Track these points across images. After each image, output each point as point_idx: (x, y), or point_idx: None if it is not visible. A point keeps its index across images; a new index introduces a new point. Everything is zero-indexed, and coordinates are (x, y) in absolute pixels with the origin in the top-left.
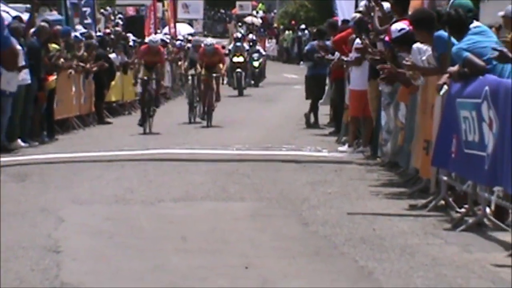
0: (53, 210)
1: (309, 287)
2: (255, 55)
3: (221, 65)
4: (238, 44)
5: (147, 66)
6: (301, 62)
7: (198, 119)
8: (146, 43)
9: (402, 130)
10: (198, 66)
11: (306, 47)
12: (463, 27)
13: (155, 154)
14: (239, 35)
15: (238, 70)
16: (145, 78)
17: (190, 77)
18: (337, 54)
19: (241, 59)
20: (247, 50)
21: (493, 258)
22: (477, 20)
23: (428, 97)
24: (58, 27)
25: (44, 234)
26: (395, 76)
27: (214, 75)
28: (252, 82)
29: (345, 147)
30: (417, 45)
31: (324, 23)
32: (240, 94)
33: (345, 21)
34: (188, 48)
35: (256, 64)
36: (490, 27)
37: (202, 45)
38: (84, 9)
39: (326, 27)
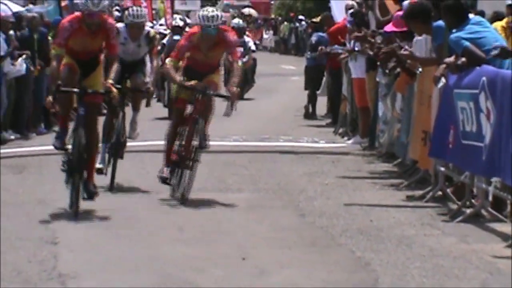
0: (50, 202)
1: (305, 278)
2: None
3: (232, 73)
4: (176, 37)
5: (79, 62)
6: (308, 53)
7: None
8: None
9: (399, 121)
10: (170, 71)
11: (314, 38)
12: (463, 15)
13: (153, 145)
14: (180, 23)
15: None
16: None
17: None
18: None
19: None
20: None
21: (491, 249)
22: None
23: (425, 88)
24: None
25: (41, 226)
26: (396, 56)
27: (212, 93)
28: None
29: (352, 140)
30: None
31: (321, 14)
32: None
33: None
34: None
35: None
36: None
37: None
38: (77, 1)
39: (322, 18)
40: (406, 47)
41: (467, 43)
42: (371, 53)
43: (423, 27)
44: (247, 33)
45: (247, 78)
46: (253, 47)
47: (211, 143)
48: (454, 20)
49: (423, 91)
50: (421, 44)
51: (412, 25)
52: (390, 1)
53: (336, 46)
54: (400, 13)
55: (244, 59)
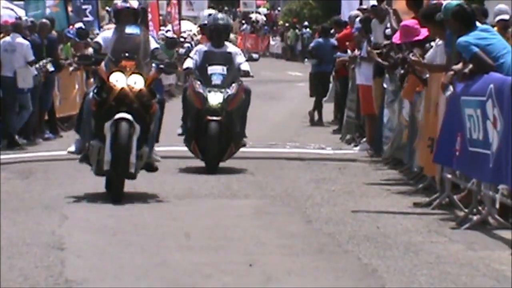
0: (57, 207)
1: (312, 285)
2: (216, 77)
3: None
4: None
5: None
6: (306, 60)
7: None
8: None
9: (407, 127)
10: None
11: (312, 44)
12: (470, 22)
13: (158, 151)
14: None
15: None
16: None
17: None
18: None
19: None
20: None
21: (498, 256)
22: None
23: (432, 95)
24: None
25: (48, 231)
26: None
27: None
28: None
29: (359, 146)
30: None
31: (328, 21)
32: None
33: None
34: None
35: (213, 102)
36: (492, 26)
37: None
38: (85, 6)
39: (330, 24)
40: (415, 51)
41: (476, 49)
42: (379, 60)
43: (438, 31)
44: (236, 36)
45: (233, 132)
46: (245, 67)
47: None
48: (461, 26)
49: (430, 98)
50: (442, 50)
51: (429, 27)
52: (402, 8)
53: (338, 53)
54: (407, 22)
55: (229, 91)
